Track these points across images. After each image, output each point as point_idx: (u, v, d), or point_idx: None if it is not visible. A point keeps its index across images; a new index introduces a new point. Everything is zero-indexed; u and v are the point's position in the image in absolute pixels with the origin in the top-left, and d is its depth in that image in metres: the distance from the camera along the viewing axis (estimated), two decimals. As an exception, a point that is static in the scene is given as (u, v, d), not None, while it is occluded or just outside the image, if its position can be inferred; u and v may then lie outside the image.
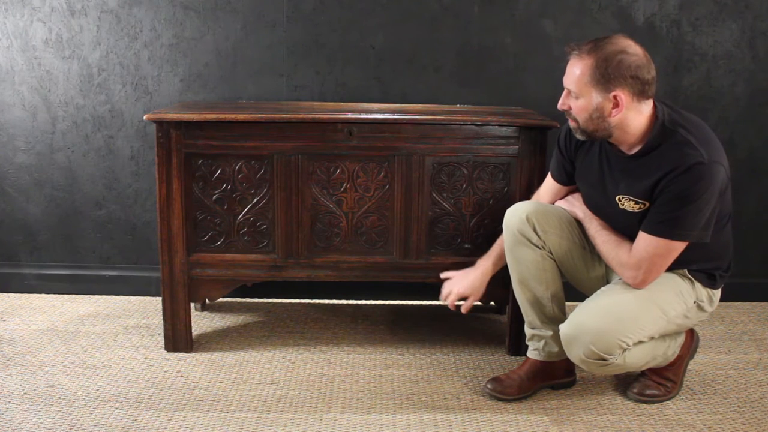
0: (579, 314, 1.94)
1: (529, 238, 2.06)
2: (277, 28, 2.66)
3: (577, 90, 1.85)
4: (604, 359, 1.89)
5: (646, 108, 1.86)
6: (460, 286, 2.18)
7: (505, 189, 2.30)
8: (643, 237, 1.88)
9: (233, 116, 2.20)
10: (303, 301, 2.84)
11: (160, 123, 2.18)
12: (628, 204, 1.92)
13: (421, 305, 2.84)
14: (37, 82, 2.69)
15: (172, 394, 2.08)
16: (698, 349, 2.42)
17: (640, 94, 1.82)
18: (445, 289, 2.21)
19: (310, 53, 2.68)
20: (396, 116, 2.24)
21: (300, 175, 2.26)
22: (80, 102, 2.71)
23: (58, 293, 2.84)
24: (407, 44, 2.68)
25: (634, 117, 1.85)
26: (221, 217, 2.29)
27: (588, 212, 2.05)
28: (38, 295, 2.84)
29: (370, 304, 2.84)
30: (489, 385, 2.10)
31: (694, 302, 1.99)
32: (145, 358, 2.31)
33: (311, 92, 2.71)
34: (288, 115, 2.22)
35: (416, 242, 2.31)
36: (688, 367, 2.27)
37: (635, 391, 2.10)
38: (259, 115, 2.22)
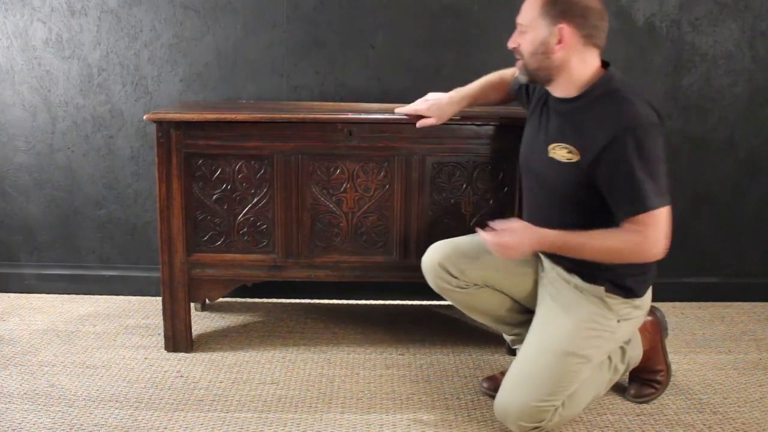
0: (503, 389, 1.87)
1: (449, 283, 2.04)
2: (277, 28, 2.66)
3: (527, 22, 1.81)
4: (538, 427, 1.83)
5: (591, 59, 1.81)
6: (425, 103, 2.17)
7: (505, 189, 2.30)
8: (627, 224, 1.73)
9: (233, 116, 2.20)
10: (303, 301, 2.84)
11: (160, 123, 2.19)
12: (559, 152, 1.83)
13: (421, 305, 2.84)
14: (37, 82, 2.69)
15: (172, 394, 2.08)
16: (698, 349, 2.43)
17: (586, 38, 1.77)
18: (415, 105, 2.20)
19: (310, 53, 2.68)
20: (396, 116, 2.25)
21: (300, 175, 2.26)
22: (80, 102, 2.71)
23: (58, 293, 2.84)
24: (407, 44, 2.68)
25: (578, 64, 1.80)
26: (221, 217, 2.29)
27: (537, 246, 1.88)
28: (38, 295, 2.84)
29: (370, 304, 2.83)
30: (484, 384, 2.11)
31: (618, 321, 1.88)
32: (145, 358, 2.31)
33: (311, 92, 2.71)
34: (288, 115, 2.22)
35: (416, 242, 2.31)
36: (688, 367, 2.27)
37: (632, 393, 2.10)
38: (259, 115, 2.22)
